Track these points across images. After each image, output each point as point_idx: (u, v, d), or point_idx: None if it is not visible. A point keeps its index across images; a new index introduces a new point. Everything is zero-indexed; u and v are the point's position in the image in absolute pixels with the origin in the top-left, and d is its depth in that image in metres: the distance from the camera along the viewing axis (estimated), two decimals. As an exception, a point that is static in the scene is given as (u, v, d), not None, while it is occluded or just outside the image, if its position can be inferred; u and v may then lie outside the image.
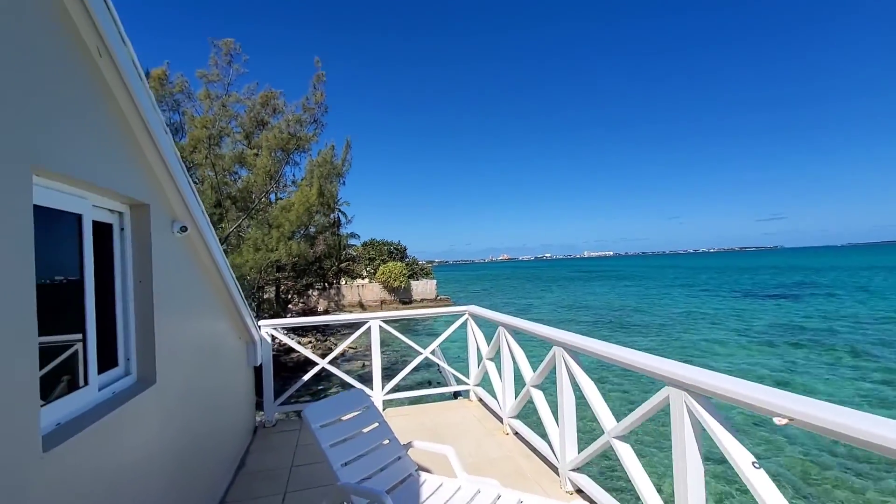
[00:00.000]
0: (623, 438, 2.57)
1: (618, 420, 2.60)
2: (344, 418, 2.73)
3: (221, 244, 10.82)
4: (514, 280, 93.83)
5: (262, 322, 4.31)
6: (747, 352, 18.00)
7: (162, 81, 14.30)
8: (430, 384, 14.65)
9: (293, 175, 21.49)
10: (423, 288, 46.87)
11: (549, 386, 3.47)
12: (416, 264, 49.79)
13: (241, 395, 4.09)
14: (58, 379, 1.62)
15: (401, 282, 44.89)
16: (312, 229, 20.09)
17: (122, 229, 2.09)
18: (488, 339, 4.69)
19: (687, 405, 2.01)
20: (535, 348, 3.90)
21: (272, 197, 17.95)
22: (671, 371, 2.10)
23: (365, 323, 5.25)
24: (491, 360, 4.69)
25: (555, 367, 3.15)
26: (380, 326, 5.17)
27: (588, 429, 4.16)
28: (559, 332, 3.20)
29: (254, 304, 26.26)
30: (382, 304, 44.91)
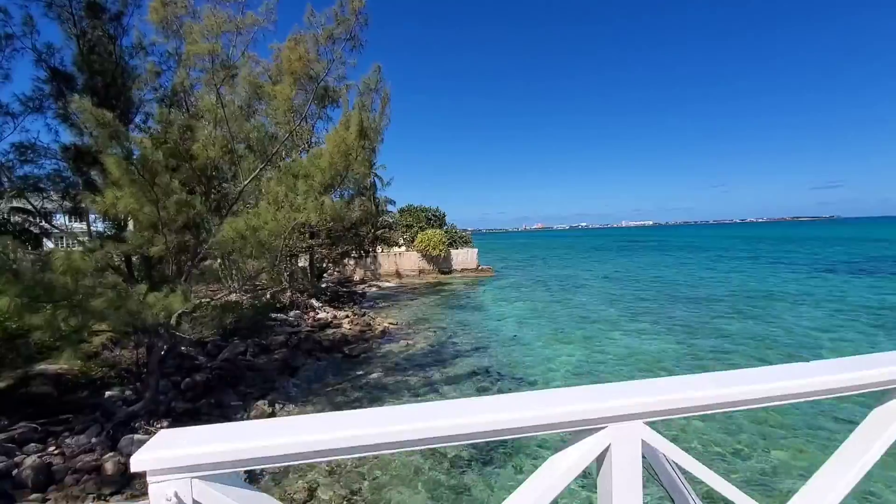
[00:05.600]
0: None
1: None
2: None
3: (235, 202, 7.89)
4: (555, 250, 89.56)
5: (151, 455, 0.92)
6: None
7: (164, 1, 11.40)
8: None
9: (326, 130, 18.51)
10: (463, 257, 44.03)
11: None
12: (456, 232, 46.78)
13: None
14: None
15: (440, 250, 42.20)
16: (350, 188, 17.23)
17: None
18: None
19: None
20: None
21: (303, 155, 15.08)
22: None
23: (591, 431, 1.13)
24: None
25: None
26: (641, 446, 1.15)
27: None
28: None
29: (286, 275, 24.06)
30: (421, 274, 42.49)
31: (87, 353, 12.37)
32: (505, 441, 9.14)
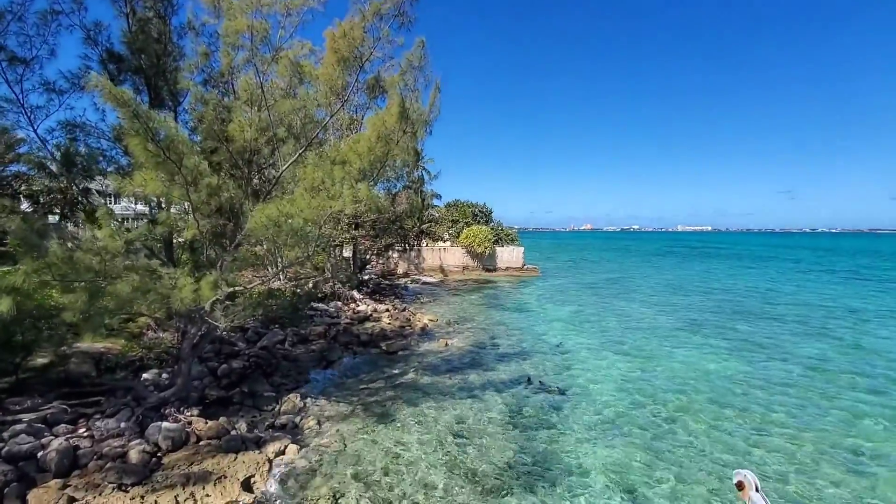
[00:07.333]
0: None
1: None
2: None
3: (273, 188, 7.44)
4: (605, 252, 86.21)
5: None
6: None
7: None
8: None
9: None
10: (508, 255, 42.86)
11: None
12: (502, 229, 45.62)
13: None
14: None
15: (485, 247, 41.25)
16: (395, 180, 16.65)
17: None
18: None
19: None
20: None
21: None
22: None
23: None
24: None
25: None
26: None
27: None
28: None
29: (329, 265, 24.03)
30: (464, 270, 41.81)
31: (132, 334, 12.57)
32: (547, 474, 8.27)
